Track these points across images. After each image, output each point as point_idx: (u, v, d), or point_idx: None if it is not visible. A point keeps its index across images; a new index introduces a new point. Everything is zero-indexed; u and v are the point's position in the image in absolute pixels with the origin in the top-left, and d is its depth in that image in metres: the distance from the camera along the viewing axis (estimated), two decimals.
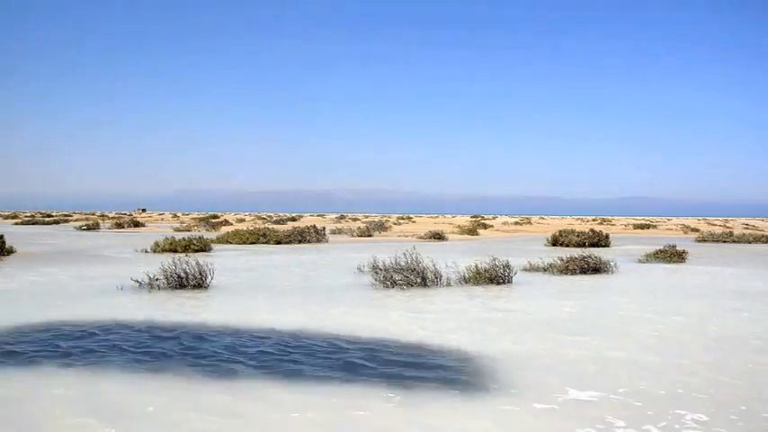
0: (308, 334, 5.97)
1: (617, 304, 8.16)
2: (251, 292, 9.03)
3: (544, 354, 5.27)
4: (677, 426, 3.56)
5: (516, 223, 51.49)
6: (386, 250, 14.26)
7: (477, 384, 4.33)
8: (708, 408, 3.87)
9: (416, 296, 8.66)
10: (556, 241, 22.35)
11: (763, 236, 27.37)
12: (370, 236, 28.26)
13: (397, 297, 8.55)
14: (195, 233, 25.76)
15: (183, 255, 12.45)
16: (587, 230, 23.53)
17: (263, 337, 5.78)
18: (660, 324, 6.71)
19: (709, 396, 4.11)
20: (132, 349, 5.28)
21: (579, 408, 3.87)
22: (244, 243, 20.79)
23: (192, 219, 51.14)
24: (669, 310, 7.73)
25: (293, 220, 54.48)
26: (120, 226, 35.96)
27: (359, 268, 11.57)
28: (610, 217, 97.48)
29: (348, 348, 5.34)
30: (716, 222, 65.48)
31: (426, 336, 5.93)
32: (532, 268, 12.27)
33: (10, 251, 15.07)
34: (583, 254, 12.50)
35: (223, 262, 13.64)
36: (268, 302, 8.03)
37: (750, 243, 25.69)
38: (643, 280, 11.25)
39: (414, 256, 9.74)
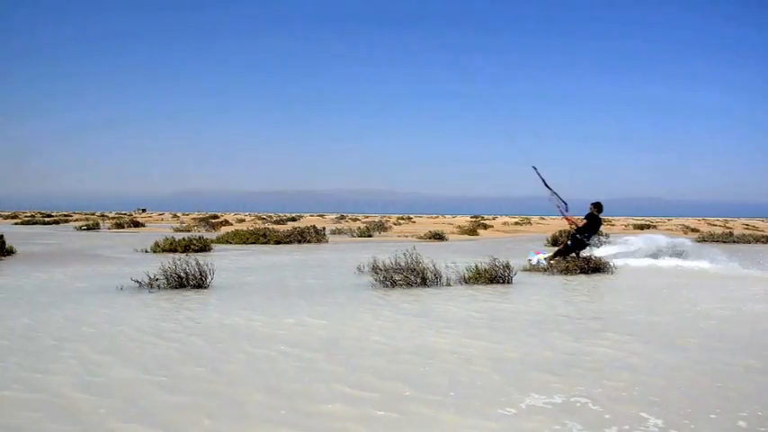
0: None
1: (611, 303, 8.17)
2: (251, 291, 9.04)
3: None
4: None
5: (516, 223, 51.48)
6: (386, 250, 14.26)
7: None
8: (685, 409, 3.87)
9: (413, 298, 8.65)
10: (556, 241, 22.34)
11: (763, 236, 27.39)
12: (370, 236, 28.25)
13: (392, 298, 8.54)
14: (195, 233, 25.75)
15: (183, 255, 12.46)
16: None
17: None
18: (655, 323, 6.72)
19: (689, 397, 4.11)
20: None
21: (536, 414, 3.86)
22: (244, 243, 20.80)
23: (192, 219, 51.11)
24: (663, 309, 7.75)
25: (293, 220, 54.48)
26: (119, 226, 35.95)
27: (359, 268, 11.58)
28: (610, 217, 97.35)
29: None
30: (716, 223, 65.48)
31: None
32: (533, 268, 12.30)
33: (10, 251, 15.07)
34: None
35: (223, 262, 13.65)
36: (267, 302, 8.04)
37: (750, 243, 25.71)
38: (643, 280, 11.26)
39: (414, 256, 9.77)
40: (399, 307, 7.75)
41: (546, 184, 13.52)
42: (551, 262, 12.62)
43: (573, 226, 13.45)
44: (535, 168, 13.60)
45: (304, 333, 6.09)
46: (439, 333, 6.11)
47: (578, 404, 3.93)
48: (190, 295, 8.51)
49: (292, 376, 4.54)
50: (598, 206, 13.24)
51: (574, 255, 12.94)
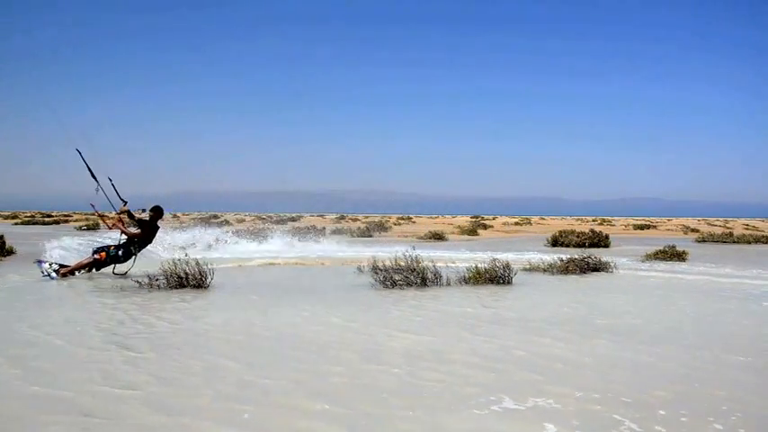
0: None
1: (601, 305, 8.17)
2: (250, 291, 9.04)
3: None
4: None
5: (516, 224, 51.47)
6: (387, 250, 14.26)
7: None
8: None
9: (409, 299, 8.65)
10: (556, 242, 22.37)
11: (763, 236, 27.38)
12: (370, 236, 28.27)
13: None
14: None
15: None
16: (587, 231, 23.54)
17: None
18: (653, 323, 6.73)
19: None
20: None
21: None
22: None
23: (192, 219, 51.08)
24: (660, 309, 7.75)
25: (293, 220, 54.49)
26: None
27: (359, 268, 11.59)
28: (610, 217, 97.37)
29: None
30: (716, 223, 65.46)
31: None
32: (533, 268, 12.28)
33: (10, 251, 15.06)
34: (583, 254, 12.51)
35: (223, 261, 13.64)
36: (265, 302, 8.05)
37: (750, 243, 25.70)
38: (642, 280, 11.26)
39: (414, 256, 9.78)
40: (396, 307, 7.75)
41: (92, 175, 10.73)
42: (64, 272, 10.26)
43: (113, 225, 11.03)
44: (79, 152, 10.69)
45: (296, 334, 6.10)
46: (428, 333, 6.11)
47: (553, 406, 3.94)
48: (190, 295, 8.51)
49: (284, 377, 4.55)
50: (158, 211, 10.89)
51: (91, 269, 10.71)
